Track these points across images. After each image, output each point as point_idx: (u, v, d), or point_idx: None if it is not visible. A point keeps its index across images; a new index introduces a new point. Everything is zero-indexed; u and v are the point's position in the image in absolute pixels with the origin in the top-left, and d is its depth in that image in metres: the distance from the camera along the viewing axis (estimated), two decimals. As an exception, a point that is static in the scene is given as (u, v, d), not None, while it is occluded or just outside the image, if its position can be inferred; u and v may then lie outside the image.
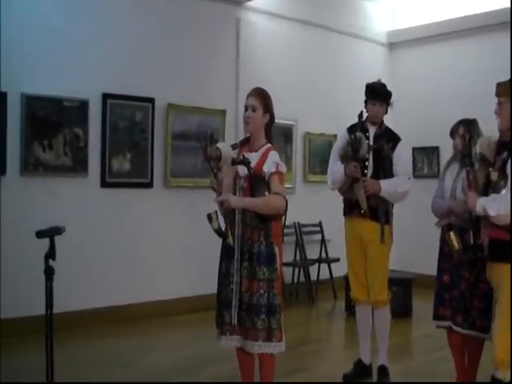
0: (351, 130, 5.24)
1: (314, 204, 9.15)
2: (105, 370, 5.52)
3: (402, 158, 5.26)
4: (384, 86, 5.33)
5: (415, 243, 8.54)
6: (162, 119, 7.66)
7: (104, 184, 7.19)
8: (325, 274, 9.12)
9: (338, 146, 5.41)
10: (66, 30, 6.82)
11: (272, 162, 4.11)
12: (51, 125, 6.72)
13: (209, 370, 5.57)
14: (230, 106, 8.28)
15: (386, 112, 5.36)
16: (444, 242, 4.78)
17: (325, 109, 9.39)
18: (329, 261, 9.13)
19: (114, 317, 7.06)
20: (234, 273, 4.09)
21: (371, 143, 5.19)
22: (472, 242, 4.31)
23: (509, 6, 8.14)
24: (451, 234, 4.48)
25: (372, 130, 5.26)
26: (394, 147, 5.19)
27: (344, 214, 5.38)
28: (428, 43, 9.95)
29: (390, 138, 5.23)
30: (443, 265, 4.86)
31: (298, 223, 8.97)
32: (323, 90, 9.42)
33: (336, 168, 5.24)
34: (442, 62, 9.75)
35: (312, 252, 9.18)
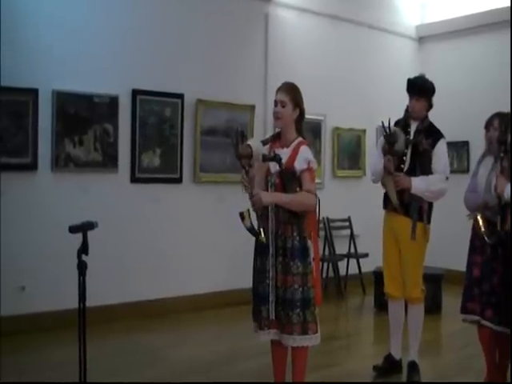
0: (397, 124, 5.22)
1: (342, 199, 9.12)
2: (137, 364, 5.56)
3: (441, 155, 5.14)
4: (425, 81, 5.24)
5: (445, 239, 8.46)
6: (191, 115, 7.67)
7: (134, 179, 7.22)
8: (354, 269, 9.10)
9: (381, 139, 5.33)
10: (96, 26, 6.86)
11: (303, 159, 4.12)
12: (82, 121, 6.76)
13: (240, 365, 5.58)
14: (259, 102, 8.27)
15: (431, 107, 5.27)
16: (475, 235, 4.75)
17: (354, 104, 9.34)
18: (358, 256, 9.10)
19: (146, 311, 7.11)
20: (270, 268, 4.12)
21: (411, 138, 5.13)
22: (500, 228, 4.35)
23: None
24: (479, 216, 4.52)
25: (414, 125, 5.20)
26: (434, 144, 5.10)
27: (383, 207, 5.36)
28: (458, 37, 9.83)
29: (430, 134, 5.14)
30: (474, 259, 4.83)
31: (327, 218, 8.94)
32: (352, 85, 9.36)
33: (376, 160, 5.22)
34: (473, 55, 9.63)
35: (341, 247, 9.16)
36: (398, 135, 5.02)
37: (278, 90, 4.27)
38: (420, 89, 5.20)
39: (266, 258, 4.15)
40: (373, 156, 5.37)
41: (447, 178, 5.15)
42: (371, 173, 5.36)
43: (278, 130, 4.38)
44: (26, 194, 6.38)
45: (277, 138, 4.33)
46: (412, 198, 5.06)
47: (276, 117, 4.24)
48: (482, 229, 4.48)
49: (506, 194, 4.28)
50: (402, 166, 5.11)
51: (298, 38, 8.78)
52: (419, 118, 5.22)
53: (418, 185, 5.02)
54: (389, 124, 5.01)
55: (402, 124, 5.17)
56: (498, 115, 4.87)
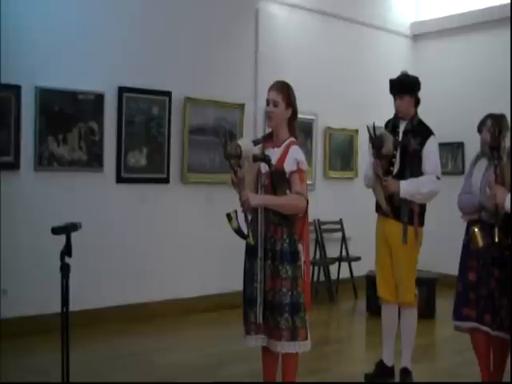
0: (387, 125, 5.16)
1: (334, 201, 9.04)
2: (122, 369, 5.48)
3: (430, 154, 5.01)
4: (406, 77, 5.16)
5: (439, 242, 8.39)
6: (179, 113, 7.57)
7: (120, 179, 7.12)
8: (345, 272, 9.02)
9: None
10: (80, 22, 6.75)
11: (292, 160, 4.04)
12: (66, 119, 6.66)
13: (228, 369, 5.54)
14: (249, 100, 8.18)
15: (418, 102, 5.15)
16: (468, 239, 4.65)
17: (346, 103, 9.23)
18: (349, 259, 9.02)
19: (132, 315, 7.01)
20: (258, 271, 4.04)
21: (400, 139, 5.02)
22: (497, 239, 4.19)
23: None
24: (476, 229, 4.38)
25: (402, 126, 5.09)
26: (423, 143, 4.98)
27: (376, 211, 5.26)
28: (453, 35, 9.78)
29: (418, 133, 5.02)
30: (469, 263, 4.72)
31: (318, 220, 8.83)
32: (344, 84, 9.26)
33: (368, 164, 5.17)
34: (467, 54, 9.58)
35: (332, 250, 9.06)
36: (384, 138, 4.93)
37: (270, 88, 4.19)
38: (400, 86, 5.10)
39: (254, 260, 4.08)
40: (366, 160, 5.31)
41: (438, 178, 5.02)
42: (364, 176, 5.32)
43: (270, 130, 4.30)
44: (7, 193, 6.24)
45: (269, 138, 4.27)
46: (402, 202, 4.96)
47: (269, 116, 4.18)
48: (480, 244, 4.37)
49: (507, 205, 4.12)
50: (392, 168, 5.02)
51: (289, 35, 8.69)
52: (407, 116, 5.12)
53: (407, 188, 4.91)
54: (373, 128, 4.91)
55: (391, 125, 5.09)
56: (491, 117, 4.79)
